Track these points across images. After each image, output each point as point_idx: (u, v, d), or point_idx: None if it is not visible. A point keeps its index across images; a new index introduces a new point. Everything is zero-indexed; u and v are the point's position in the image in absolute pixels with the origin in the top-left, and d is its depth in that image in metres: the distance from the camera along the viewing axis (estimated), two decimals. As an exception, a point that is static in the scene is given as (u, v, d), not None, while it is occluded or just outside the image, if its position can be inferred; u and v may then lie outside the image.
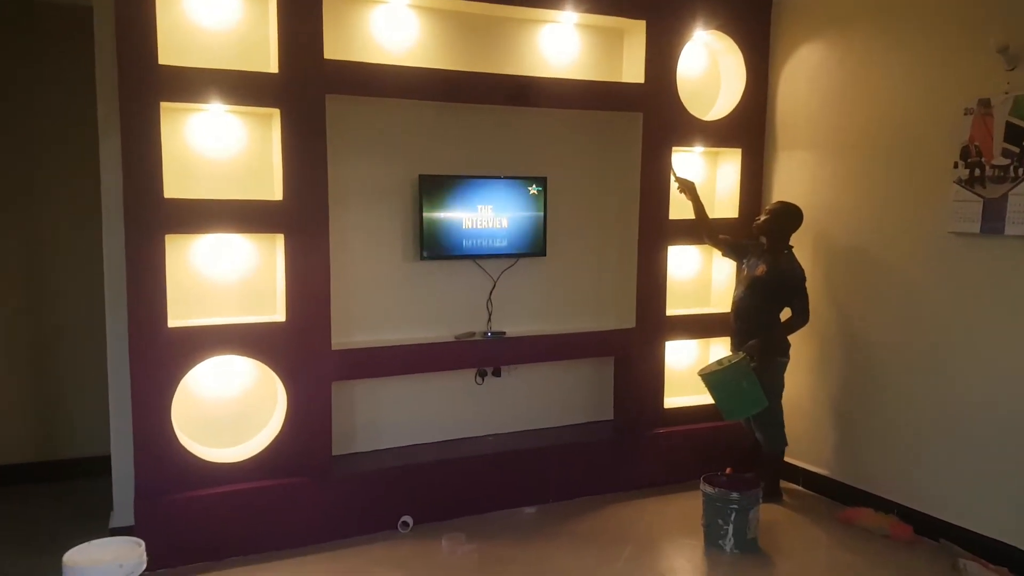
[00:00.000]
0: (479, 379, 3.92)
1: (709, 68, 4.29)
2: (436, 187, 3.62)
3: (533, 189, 3.81)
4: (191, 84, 3.09)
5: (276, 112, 3.26)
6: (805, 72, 4.02)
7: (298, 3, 3.22)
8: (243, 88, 3.18)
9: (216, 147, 3.35)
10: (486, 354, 3.79)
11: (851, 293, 3.83)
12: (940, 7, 3.35)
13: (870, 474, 3.76)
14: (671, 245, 4.07)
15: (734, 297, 3.89)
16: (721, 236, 3.96)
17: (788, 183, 4.13)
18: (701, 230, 3.99)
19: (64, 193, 4.10)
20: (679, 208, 4.04)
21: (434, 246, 3.64)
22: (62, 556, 2.60)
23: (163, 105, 3.08)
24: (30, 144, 4.04)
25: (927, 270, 3.46)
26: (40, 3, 3.63)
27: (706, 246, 4.16)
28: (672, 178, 3.95)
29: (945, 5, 3.33)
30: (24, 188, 4.05)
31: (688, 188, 3.91)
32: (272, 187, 3.39)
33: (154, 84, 3.03)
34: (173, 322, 3.18)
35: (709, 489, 3.41)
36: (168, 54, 3.11)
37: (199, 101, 3.14)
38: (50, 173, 4.08)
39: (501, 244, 3.78)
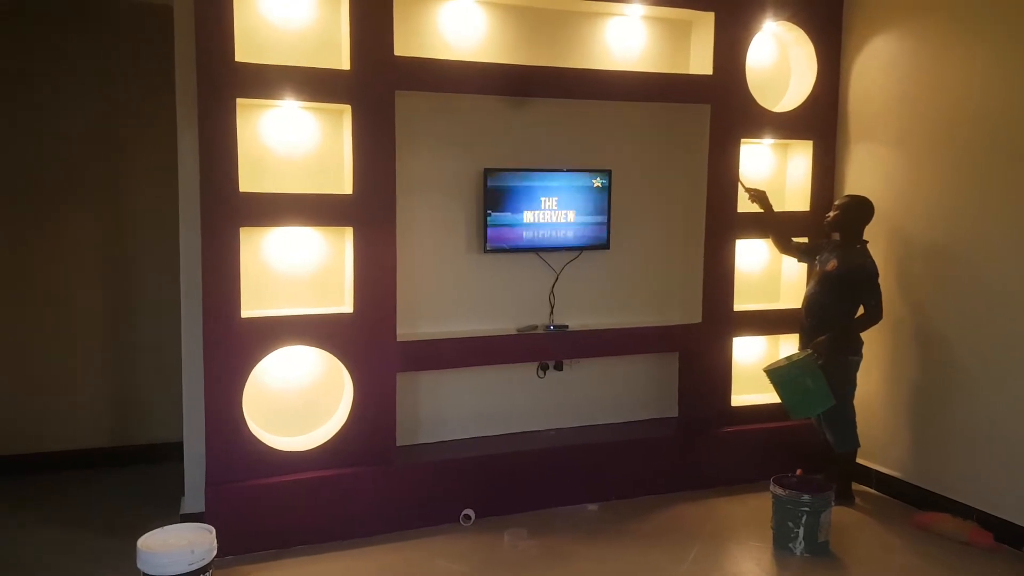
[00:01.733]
0: (541, 372, 3.91)
1: (779, 59, 4.19)
2: (500, 180, 3.63)
3: (597, 181, 3.78)
4: (266, 81, 3.17)
5: (347, 108, 3.31)
6: (879, 63, 3.89)
7: (369, 2, 3.27)
8: (316, 85, 3.24)
9: (289, 142, 3.43)
10: (548, 347, 3.78)
11: (927, 290, 3.69)
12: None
13: (947, 477, 3.61)
14: (739, 239, 4.00)
15: (805, 293, 3.79)
16: (794, 241, 3.87)
17: (861, 176, 4.00)
18: (773, 237, 3.91)
19: (143, 186, 4.25)
20: (747, 201, 3.95)
21: (498, 238, 3.65)
22: (136, 540, 2.69)
23: (239, 101, 3.16)
24: (112, 138, 4.19)
25: (1011, 267, 3.30)
26: (122, 1, 3.77)
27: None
28: (740, 188, 3.87)
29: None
30: (105, 181, 4.21)
31: (759, 197, 3.84)
32: (342, 181, 3.44)
33: (231, 81, 3.12)
34: (246, 312, 3.26)
35: (779, 491, 3.32)
36: (244, 51, 3.20)
37: (273, 97, 3.22)
38: (130, 167, 4.23)
39: (564, 236, 3.76)
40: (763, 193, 3.86)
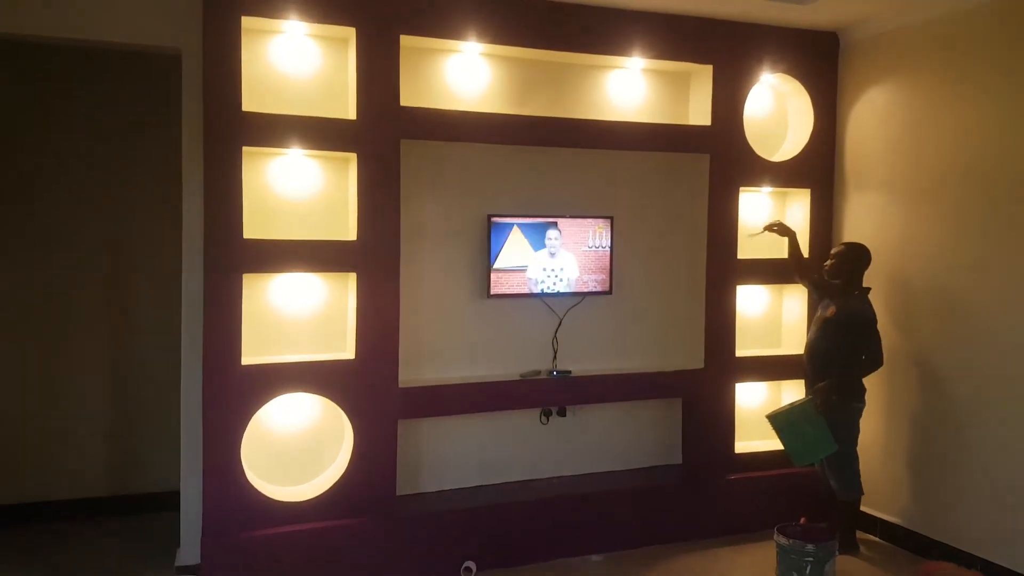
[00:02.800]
0: (544, 419, 3.88)
1: (776, 109, 4.28)
2: (504, 226, 3.65)
3: (600, 228, 3.81)
4: (273, 130, 3.20)
5: (353, 156, 3.34)
6: (875, 113, 3.98)
7: (376, 53, 3.32)
8: (322, 134, 3.27)
9: (294, 188, 3.45)
10: (551, 393, 3.77)
11: (929, 335, 3.71)
12: (1012, 46, 3.30)
13: (952, 526, 3.59)
14: (740, 284, 4.02)
15: (807, 339, 3.81)
16: (815, 277, 3.88)
17: (860, 224, 4.06)
18: (793, 264, 3.93)
19: (147, 231, 4.23)
20: (747, 248, 4.00)
21: (501, 284, 3.66)
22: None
23: (245, 149, 3.18)
24: (117, 183, 4.18)
25: (1012, 312, 3.34)
26: (130, 50, 3.79)
27: (775, 286, 4.10)
28: (762, 232, 3.90)
29: (1017, 44, 3.28)
30: (110, 226, 4.19)
31: (779, 227, 3.88)
32: (347, 227, 3.45)
33: (238, 130, 3.15)
34: (247, 360, 3.23)
35: (783, 540, 3.29)
36: (252, 100, 3.23)
37: (280, 146, 3.25)
38: (135, 213, 4.22)
39: (567, 282, 3.78)
40: (779, 223, 3.89)
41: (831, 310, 3.67)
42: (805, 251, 4.14)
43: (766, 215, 4.19)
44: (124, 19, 3.21)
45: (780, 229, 3.90)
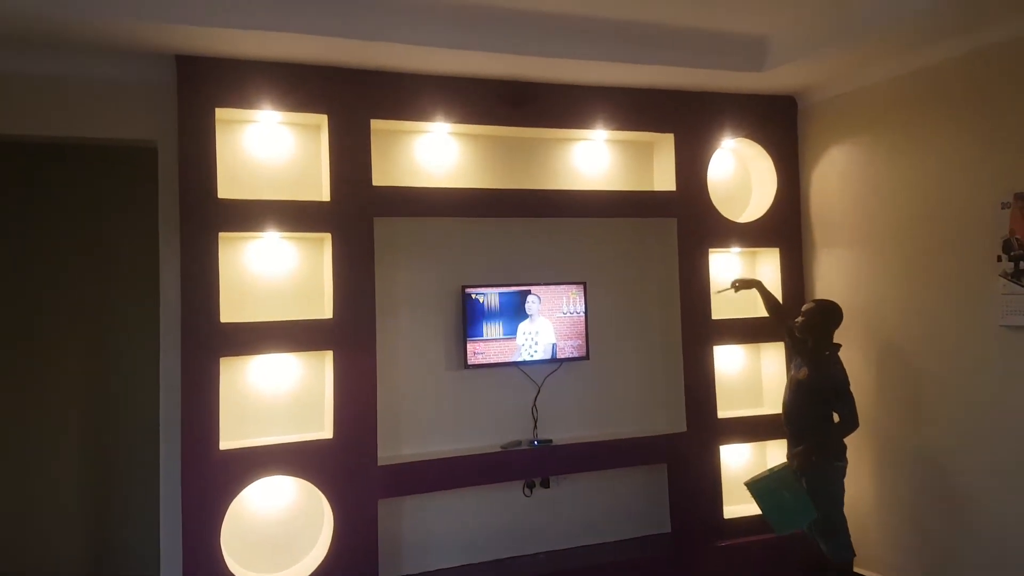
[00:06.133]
0: (527, 491, 3.84)
1: (739, 172, 4.40)
2: (479, 296, 3.70)
3: (573, 294, 3.86)
4: (248, 215, 3.28)
5: (327, 236, 3.42)
6: (836, 172, 4.09)
7: (348, 137, 3.44)
8: (297, 216, 3.36)
9: (270, 269, 3.51)
10: (533, 464, 3.73)
11: (906, 389, 3.71)
12: (967, 102, 3.42)
13: (951, 583, 3.51)
14: (716, 345, 4.04)
15: (783, 400, 3.78)
16: (788, 323, 3.83)
17: (830, 280, 4.12)
18: (770, 314, 3.91)
19: (125, 319, 4.27)
20: (721, 308, 4.04)
21: (478, 354, 3.68)
22: None
23: (221, 235, 3.25)
24: (94, 273, 4.25)
25: (982, 364, 3.36)
26: (107, 144, 3.93)
27: (752, 345, 4.11)
28: (732, 291, 3.91)
29: (971, 100, 3.41)
30: (87, 314, 4.24)
31: (743, 283, 3.89)
32: (323, 305, 3.50)
33: (213, 216, 3.23)
34: (225, 443, 3.22)
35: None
36: (227, 187, 3.32)
37: (256, 230, 3.33)
38: (113, 297, 4.27)
39: (544, 349, 3.80)
40: (739, 280, 3.90)
41: (804, 372, 3.63)
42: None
43: (736, 275, 4.23)
44: (100, 115, 3.30)
45: (742, 284, 3.90)
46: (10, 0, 2.72)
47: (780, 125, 4.25)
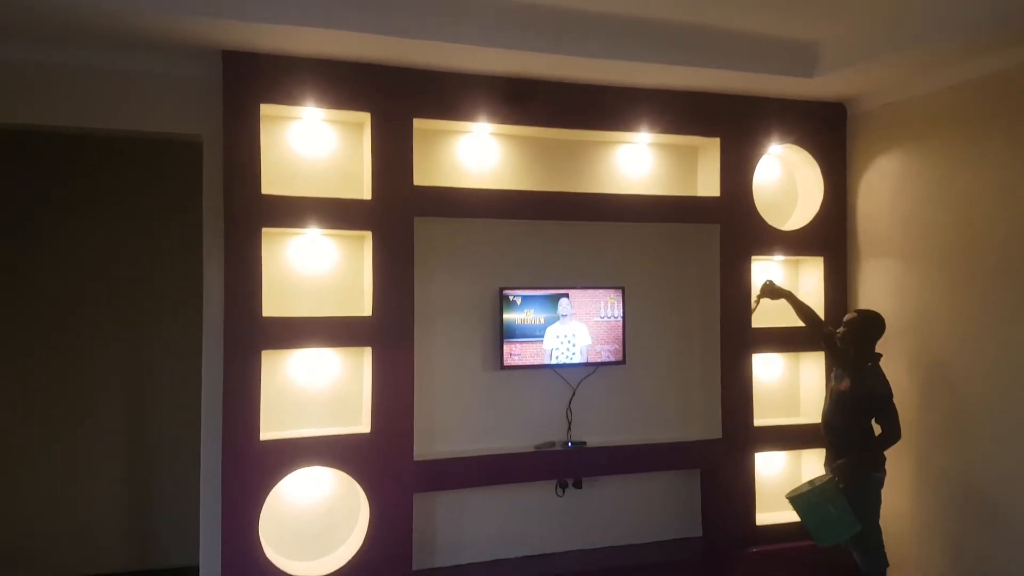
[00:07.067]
0: (560, 491, 3.85)
1: (785, 179, 4.32)
2: (516, 299, 3.71)
3: (611, 298, 3.85)
4: (291, 212, 3.32)
5: (368, 234, 3.45)
6: (885, 181, 3.99)
7: (390, 136, 3.45)
8: (339, 214, 3.39)
9: (311, 266, 3.55)
10: (567, 465, 3.74)
11: (948, 402, 3.64)
12: (1020, 115, 3.32)
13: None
14: (755, 353, 4.00)
15: (823, 410, 3.74)
16: (827, 331, 3.78)
17: (874, 291, 4.04)
18: (807, 325, 3.84)
19: (168, 311, 4.36)
20: (761, 316, 3.99)
21: (514, 356, 3.69)
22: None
23: (264, 230, 3.30)
24: (138, 263, 4.35)
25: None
26: (153, 138, 4.01)
27: (791, 354, 4.06)
28: (758, 301, 3.84)
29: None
30: (132, 306, 4.34)
31: (777, 293, 3.82)
32: (362, 303, 3.53)
33: (257, 212, 3.27)
34: (265, 434, 3.28)
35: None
36: (271, 183, 3.36)
37: (298, 226, 3.36)
38: (155, 292, 4.36)
39: (581, 353, 3.79)
40: (768, 287, 3.82)
41: (845, 383, 3.59)
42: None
43: (777, 283, 4.16)
44: (147, 108, 3.36)
45: (771, 293, 3.81)
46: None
47: (829, 132, 4.16)
